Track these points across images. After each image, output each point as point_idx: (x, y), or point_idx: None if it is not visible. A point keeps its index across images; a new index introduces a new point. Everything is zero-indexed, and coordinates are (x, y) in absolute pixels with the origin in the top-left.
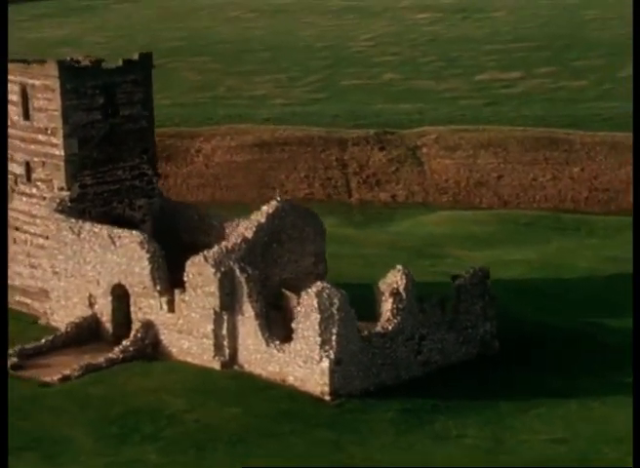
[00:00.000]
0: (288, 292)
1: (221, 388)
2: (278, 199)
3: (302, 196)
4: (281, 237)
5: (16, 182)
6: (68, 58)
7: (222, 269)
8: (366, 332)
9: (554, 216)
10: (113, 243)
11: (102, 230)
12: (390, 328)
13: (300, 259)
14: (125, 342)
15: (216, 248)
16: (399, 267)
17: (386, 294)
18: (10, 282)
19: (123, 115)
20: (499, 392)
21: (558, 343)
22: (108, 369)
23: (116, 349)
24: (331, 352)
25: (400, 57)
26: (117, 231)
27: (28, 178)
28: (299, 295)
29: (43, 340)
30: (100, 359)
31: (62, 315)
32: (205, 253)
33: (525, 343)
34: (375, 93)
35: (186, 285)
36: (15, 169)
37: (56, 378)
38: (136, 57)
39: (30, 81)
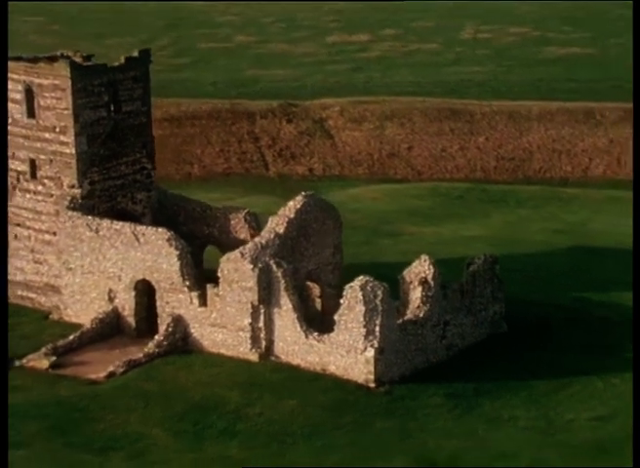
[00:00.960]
0: (311, 284)
1: (270, 380)
2: (303, 193)
3: (221, 171)
4: (307, 231)
5: (18, 180)
6: (58, 53)
7: (260, 265)
8: (401, 321)
9: (480, 188)
10: (137, 240)
11: (125, 227)
12: (421, 315)
13: (322, 251)
14: (158, 337)
15: (250, 244)
16: (425, 257)
17: (415, 283)
18: (10, 277)
19: (125, 111)
20: (525, 372)
21: (559, 321)
22: (149, 363)
23: (151, 344)
24: (375, 342)
25: (242, 17)
26: (141, 228)
27: (33, 176)
28: (321, 286)
29: (71, 337)
30: (139, 354)
31: (77, 310)
32: (241, 249)
33: (528, 323)
34: (237, 57)
35: (220, 280)
36: (17, 166)
37: (102, 376)
38: (136, 53)
39: (37, 80)
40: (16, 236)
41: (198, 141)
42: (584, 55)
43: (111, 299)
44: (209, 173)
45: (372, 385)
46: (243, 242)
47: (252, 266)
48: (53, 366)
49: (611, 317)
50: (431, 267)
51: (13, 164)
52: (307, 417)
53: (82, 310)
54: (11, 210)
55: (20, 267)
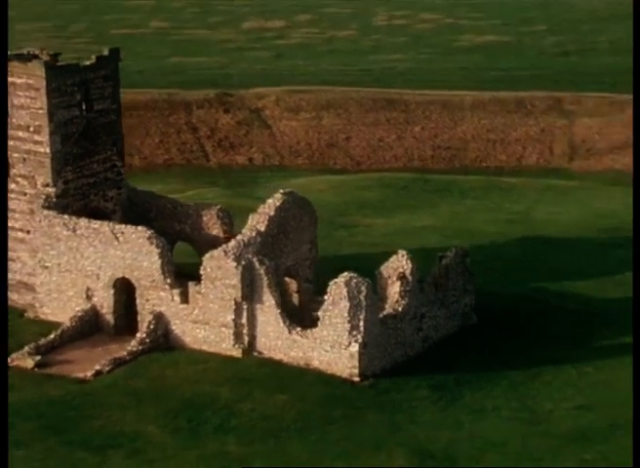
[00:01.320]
0: (287, 279)
1: (257, 376)
2: (282, 191)
3: (162, 162)
4: (286, 228)
5: None
6: (25, 52)
7: (243, 262)
8: (381, 315)
9: (423, 179)
10: (116, 238)
11: (103, 226)
12: (400, 309)
13: (299, 247)
14: (140, 334)
15: (233, 242)
16: (402, 252)
17: (393, 278)
18: None
19: (96, 110)
20: (500, 362)
21: (524, 311)
22: (133, 361)
23: (134, 342)
24: (359, 336)
25: (151, 1)
26: (120, 227)
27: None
28: (298, 281)
29: (52, 335)
30: (123, 352)
31: (54, 308)
32: (224, 247)
33: (495, 314)
34: (155, 44)
35: (203, 277)
36: None
37: (89, 374)
38: (106, 52)
39: (10, 79)
40: None
41: (137, 133)
42: (501, 43)
43: (89, 297)
44: (150, 164)
45: (356, 379)
46: (215, 238)
47: (235, 264)
48: (38, 365)
49: (572, 307)
50: (409, 262)
51: None
52: (299, 412)
53: (59, 308)
54: None
55: None
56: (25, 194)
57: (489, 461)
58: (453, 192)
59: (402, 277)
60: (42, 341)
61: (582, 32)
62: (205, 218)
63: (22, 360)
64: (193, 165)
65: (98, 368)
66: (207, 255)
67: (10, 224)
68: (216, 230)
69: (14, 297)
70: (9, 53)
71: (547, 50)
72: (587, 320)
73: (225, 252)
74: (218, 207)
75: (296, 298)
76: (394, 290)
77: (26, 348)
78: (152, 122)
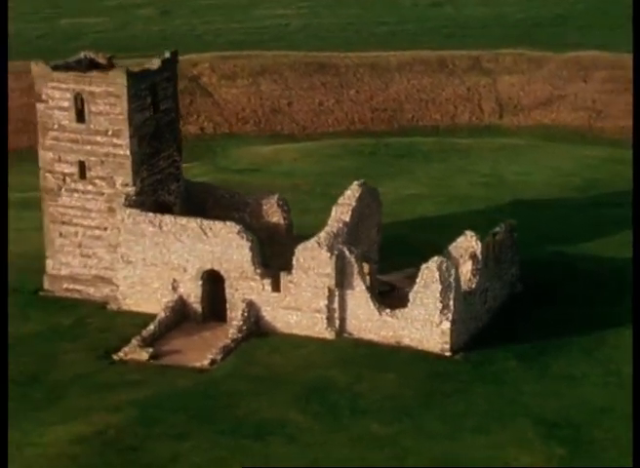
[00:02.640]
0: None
1: (357, 357)
2: (357, 182)
3: None
4: (361, 216)
5: (64, 180)
6: (83, 56)
7: (335, 252)
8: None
9: (382, 143)
10: (205, 233)
11: (191, 222)
12: (474, 286)
13: (370, 232)
14: (237, 322)
15: (323, 233)
16: (470, 233)
17: (465, 257)
18: (54, 272)
19: (162, 110)
20: (561, 328)
21: (557, 277)
22: (237, 348)
23: (232, 329)
24: (449, 315)
25: None
26: (208, 223)
27: (82, 176)
28: (370, 265)
29: (152, 326)
30: (226, 340)
31: (138, 299)
32: (316, 238)
33: (532, 281)
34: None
35: (295, 267)
36: (63, 169)
37: (206, 363)
38: (168, 55)
39: (88, 88)
40: (61, 234)
41: None
42: None
43: (174, 289)
44: None
45: (448, 354)
46: (276, 225)
47: (329, 254)
48: (153, 357)
49: (595, 269)
50: (478, 242)
51: (59, 167)
52: (414, 389)
53: (143, 300)
54: (56, 209)
55: (65, 262)
56: (103, 194)
57: (609, 426)
58: (417, 156)
59: (473, 256)
60: (144, 333)
61: None
62: (265, 207)
63: (137, 353)
64: None
65: (211, 356)
66: (300, 247)
67: (86, 223)
68: (276, 218)
69: (89, 291)
70: (67, 60)
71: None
72: (616, 280)
73: (319, 243)
74: (276, 195)
75: (368, 281)
76: (466, 268)
77: (134, 341)
78: None
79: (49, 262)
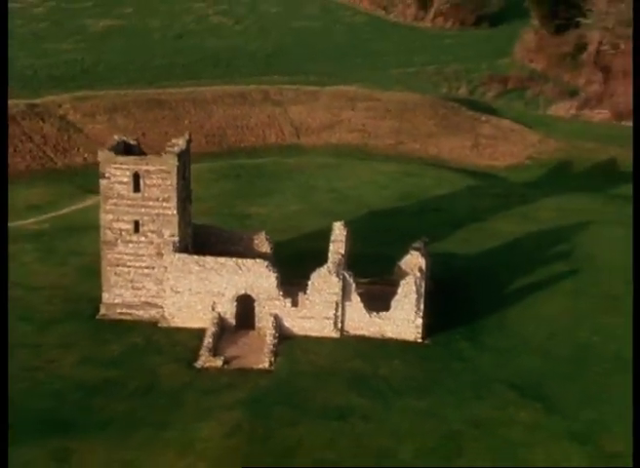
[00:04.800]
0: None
1: (364, 349)
2: (339, 223)
3: (24, 168)
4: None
5: (120, 234)
6: (118, 139)
7: (340, 277)
8: None
9: (236, 165)
10: (240, 268)
11: (228, 261)
12: (422, 290)
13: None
14: (269, 331)
15: (330, 263)
16: (415, 253)
17: (415, 271)
18: (109, 301)
19: (185, 177)
20: (473, 312)
21: (458, 269)
22: (279, 350)
23: (268, 337)
24: (420, 314)
25: None
26: (242, 261)
27: (136, 231)
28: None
29: (209, 338)
30: (269, 345)
31: (184, 318)
32: (327, 267)
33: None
34: None
35: (310, 288)
36: (121, 226)
37: (266, 365)
38: (187, 136)
39: (145, 167)
40: (115, 273)
41: None
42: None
43: (213, 309)
44: (13, 171)
45: (420, 341)
46: (264, 254)
47: (337, 279)
48: (225, 363)
49: (466, 264)
50: (422, 259)
51: (117, 224)
52: (419, 370)
53: (188, 318)
54: (113, 256)
55: (119, 294)
56: (152, 243)
57: (559, 382)
58: (270, 176)
59: (420, 269)
60: (206, 344)
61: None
62: (256, 241)
63: (212, 361)
64: (47, 168)
65: (267, 359)
66: (314, 274)
67: (137, 264)
68: (264, 249)
69: (139, 313)
70: (110, 145)
71: (158, 34)
72: (481, 270)
73: (329, 271)
74: (263, 232)
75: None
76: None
77: (203, 351)
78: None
79: (105, 295)
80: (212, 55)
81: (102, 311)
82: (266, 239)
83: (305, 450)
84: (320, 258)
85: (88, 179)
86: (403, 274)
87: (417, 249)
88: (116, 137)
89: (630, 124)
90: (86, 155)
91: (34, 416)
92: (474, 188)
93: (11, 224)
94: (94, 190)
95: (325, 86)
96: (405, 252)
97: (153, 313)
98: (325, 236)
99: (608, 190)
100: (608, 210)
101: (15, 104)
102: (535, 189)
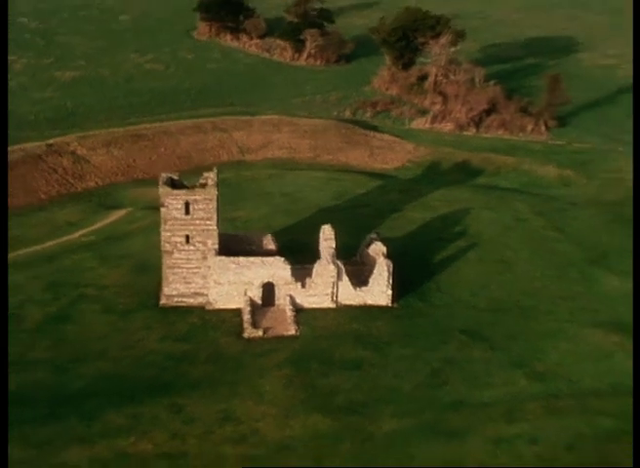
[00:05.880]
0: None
1: (357, 314)
2: (327, 225)
3: (46, 196)
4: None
5: (176, 246)
6: (168, 175)
7: (335, 265)
8: None
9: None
10: (264, 264)
11: (256, 260)
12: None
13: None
14: (288, 307)
15: (328, 256)
16: (379, 243)
17: (380, 255)
18: (169, 293)
19: None
20: (419, 278)
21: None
22: (299, 320)
23: (288, 310)
24: (390, 286)
25: None
26: (266, 259)
27: (187, 242)
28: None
29: (247, 315)
30: (291, 316)
31: (224, 302)
32: (325, 258)
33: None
34: None
35: (314, 274)
36: (176, 239)
37: (294, 332)
38: (215, 170)
39: (193, 197)
40: (173, 273)
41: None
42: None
43: (245, 294)
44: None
45: (390, 305)
46: (271, 251)
47: (333, 266)
48: (264, 332)
49: (406, 242)
50: (384, 246)
51: (173, 239)
52: (412, 325)
53: (227, 302)
54: (171, 261)
55: (175, 287)
56: (199, 250)
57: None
58: (235, 186)
59: (384, 254)
60: (246, 319)
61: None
62: (264, 241)
63: (255, 332)
64: (71, 192)
65: (292, 328)
66: (317, 264)
67: (188, 266)
68: (271, 246)
69: (190, 301)
70: (162, 181)
71: (111, 80)
72: (419, 248)
73: (327, 261)
74: (269, 234)
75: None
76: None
77: (246, 325)
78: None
79: (165, 288)
80: (158, 93)
81: (163, 301)
82: (272, 239)
83: (342, 393)
84: (300, 248)
85: (103, 198)
86: (371, 258)
87: (374, 239)
88: (164, 175)
89: (470, 133)
90: (97, 180)
91: (143, 382)
92: (382, 187)
93: (64, 238)
94: (111, 206)
95: (252, 115)
96: (357, 239)
97: (201, 300)
98: (293, 230)
99: (468, 182)
100: (477, 198)
101: (37, 146)
102: (422, 185)
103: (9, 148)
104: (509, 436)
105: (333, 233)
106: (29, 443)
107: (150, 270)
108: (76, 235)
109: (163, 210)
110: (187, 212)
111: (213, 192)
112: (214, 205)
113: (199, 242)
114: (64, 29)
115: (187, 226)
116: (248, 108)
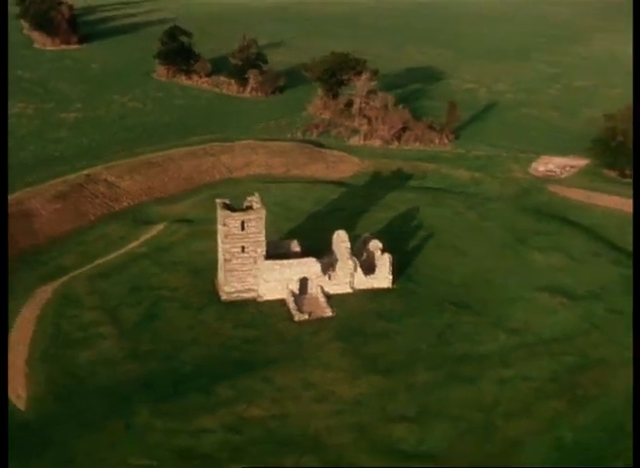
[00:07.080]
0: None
1: (371, 296)
2: (339, 231)
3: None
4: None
5: (233, 255)
6: (222, 201)
7: (352, 260)
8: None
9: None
10: (300, 265)
11: (294, 261)
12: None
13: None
14: (321, 295)
15: (347, 254)
16: (376, 241)
17: (377, 250)
18: (228, 290)
19: None
20: (408, 265)
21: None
22: (332, 304)
23: (321, 298)
24: (391, 272)
25: None
26: (302, 260)
27: (242, 251)
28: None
29: (291, 304)
30: (325, 301)
31: (271, 295)
32: (345, 255)
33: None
34: None
35: (337, 268)
36: (234, 250)
37: (331, 314)
38: (257, 194)
39: (247, 217)
40: (231, 275)
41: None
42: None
43: (287, 287)
44: (99, 217)
45: (391, 287)
46: (298, 253)
47: (351, 262)
48: (309, 315)
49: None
50: (380, 243)
51: (232, 249)
52: (418, 302)
53: (272, 294)
54: (229, 265)
55: (233, 285)
56: (251, 257)
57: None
58: (236, 198)
59: (382, 248)
60: (291, 306)
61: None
62: (292, 245)
63: (302, 316)
64: (112, 212)
65: (329, 310)
66: (338, 261)
67: (243, 269)
68: (297, 249)
69: (245, 295)
70: (220, 206)
71: (106, 119)
72: (407, 235)
73: (347, 257)
74: (295, 240)
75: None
76: (377, 254)
77: (294, 311)
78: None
79: (225, 287)
80: (147, 128)
81: (224, 297)
82: (298, 243)
83: (382, 357)
84: (311, 246)
85: (136, 215)
86: (371, 252)
87: (369, 238)
88: (219, 201)
89: (394, 147)
90: (128, 201)
91: (230, 361)
92: (347, 193)
93: (122, 250)
94: (145, 221)
95: (232, 141)
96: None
97: (252, 294)
98: (296, 233)
99: (408, 185)
100: (420, 197)
101: (78, 177)
102: (376, 189)
103: (53, 181)
104: (508, 377)
105: (347, 236)
106: (167, 415)
107: (202, 273)
108: (130, 247)
109: (224, 228)
110: (242, 228)
111: (262, 212)
112: (263, 222)
113: (252, 250)
114: (53, 77)
115: (243, 239)
116: (224, 135)
